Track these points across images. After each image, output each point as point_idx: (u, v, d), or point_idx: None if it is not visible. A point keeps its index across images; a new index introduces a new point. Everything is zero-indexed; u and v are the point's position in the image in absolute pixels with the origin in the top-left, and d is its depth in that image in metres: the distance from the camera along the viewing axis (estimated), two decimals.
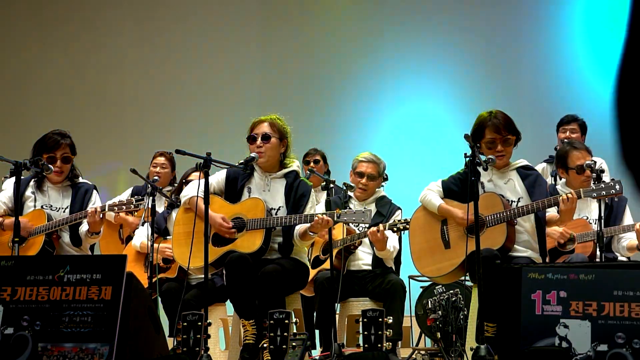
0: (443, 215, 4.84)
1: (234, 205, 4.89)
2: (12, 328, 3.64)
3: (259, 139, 4.93)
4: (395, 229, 5.31)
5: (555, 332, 3.64)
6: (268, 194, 4.92)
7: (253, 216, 4.79)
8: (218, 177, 4.99)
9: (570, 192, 4.61)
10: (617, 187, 4.59)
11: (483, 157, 4.46)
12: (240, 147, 5.14)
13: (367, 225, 5.34)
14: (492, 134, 4.73)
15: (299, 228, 4.84)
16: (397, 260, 5.67)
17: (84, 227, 5.20)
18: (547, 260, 4.98)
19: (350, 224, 5.61)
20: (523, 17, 9.11)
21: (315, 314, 5.48)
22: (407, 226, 5.14)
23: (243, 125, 5.11)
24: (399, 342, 5.40)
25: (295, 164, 5.05)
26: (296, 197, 4.90)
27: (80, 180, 5.33)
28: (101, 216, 5.05)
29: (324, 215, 4.69)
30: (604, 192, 4.63)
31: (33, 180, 5.24)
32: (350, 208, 5.39)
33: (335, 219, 4.74)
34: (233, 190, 4.95)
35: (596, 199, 4.85)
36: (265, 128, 4.95)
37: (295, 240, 4.86)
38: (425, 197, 4.90)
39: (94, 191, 5.30)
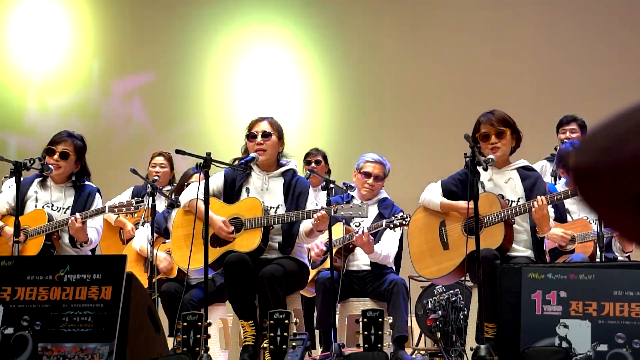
0: (446, 212, 4.82)
1: (231, 206, 4.89)
2: (12, 328, 3.64)
3: (259, 136, 4.96)
4: (392, 225, 5.31)
5: (555, 332, 3.64)
6: (267, 193, 4.93)
7: (250, 215, 4.80)
8: (216, 180, 4.99)
9: (541, 198, 4.55)
10: None
11: (483, 157, 4.47)
12: (240, 147, 5.13)
13: (365, 221, 5.35)
14: (486, 127, 4.76)
15: (304, 227, 4.85)
16: (397, 260, 5.67)
17: (65, 239, 5.11)
18: (547, 260, 4.98)
19: (351, 224, 5.61)
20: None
21: (315, 314, 5.48)
22: (404, 222, 5.14)
23: (243, 125, 5.12)
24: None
25: (292, 163, 5.06)
26: (295, 196, 4.91)
27: (85, 182, 5.31)
28: (81, 224, 4.96)
29: (322, 211, 4.70)
30: None
31: (37, 179, 5.26)
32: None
33: (332, 214, 4.75)
34: (232, 191, 4.96)
35: None
36: (264, 126, 4.99)
37: (302, 237, 4.88)
38: (425, 197, 4.90)
39: (97, 194, 5.28)
